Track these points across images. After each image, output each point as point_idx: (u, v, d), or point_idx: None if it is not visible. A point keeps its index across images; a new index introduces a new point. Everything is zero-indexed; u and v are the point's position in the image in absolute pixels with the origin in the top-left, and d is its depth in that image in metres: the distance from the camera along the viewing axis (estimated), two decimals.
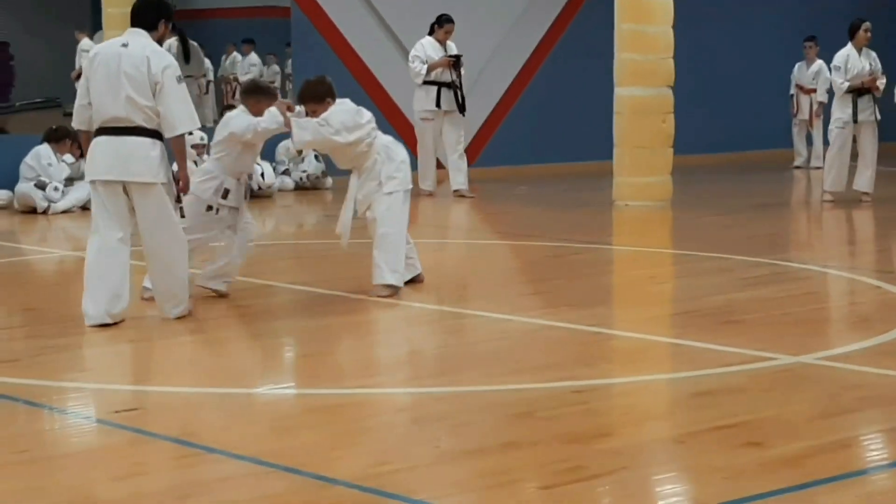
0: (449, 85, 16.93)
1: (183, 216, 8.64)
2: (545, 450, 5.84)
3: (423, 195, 16.73)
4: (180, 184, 8.68)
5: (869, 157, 15.59)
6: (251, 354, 8.10)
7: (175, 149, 8.48)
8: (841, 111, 15.63)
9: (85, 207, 15.44)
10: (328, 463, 5.62)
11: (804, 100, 20.60)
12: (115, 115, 8.34)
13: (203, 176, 9.29)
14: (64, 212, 15.37)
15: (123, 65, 8.32)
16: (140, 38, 8.45)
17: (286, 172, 17.66)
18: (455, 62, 16.90)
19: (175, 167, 8.61)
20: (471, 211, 16.67)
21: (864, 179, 15.58)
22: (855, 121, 15.45)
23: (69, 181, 15.72)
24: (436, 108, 16.94)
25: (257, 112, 9.26)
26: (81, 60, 18.50)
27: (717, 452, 5.67)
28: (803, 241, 13.73)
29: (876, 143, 15.61)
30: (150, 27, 8.54)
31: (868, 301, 9.49)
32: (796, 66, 20.69)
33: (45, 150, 15.66)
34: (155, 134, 8.37)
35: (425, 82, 16.90)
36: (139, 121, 8.31)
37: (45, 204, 15.34)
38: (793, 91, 20.74)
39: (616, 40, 15.31)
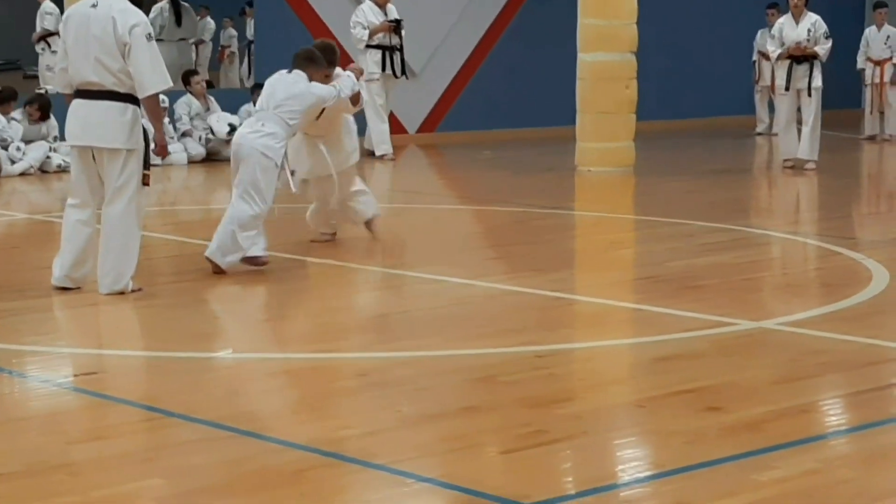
0: (392, 49, 17.02)
1: (147, 184, 8.31)
2: (506, 414, 5.85)
3: (385, 160, 16.71)
4: (156, 146, 8.53)
5: (809, 124, 15.47)
6: (210, 319, 8.07)
7: (148, 110, 8.25)
8: (779, 79, 15.67)
9: (42, 169, 15.35)
10: (289, 427, 5.61)
11: (766, 66, 20.56)
12: (87, 78, 8.18)
13: (276, 140, 9.15)
14: (21, 174, 15.24)
15: (92, 27, 8.13)
16: None
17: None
18: (396, 26, 17.00)
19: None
20: (434, 176, 16.65)
21: (804, 147, 15.49)
22: (786, 89, 15.42)
23: (27, 142, 15.58)
24: (381, 72, 17.01)
25: (316, 79, 9.26)
26: (43, 22, 18.32)
27: (677, 417, 5.69)
28: (764, 208, 13.76)
29: (814, 110, 15.39)
30: None
31: (829, 267, 9.52)
32: (759, 32, 20.67)
33: None
34: (127, 97, 8.15)
35: (369, 46, 17.03)
36: (109, 84, 8.13)
37: (7, 165, 15.21)
38: (755, 58, 20.73)
39: (580, 5, 15.25)
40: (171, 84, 8.40)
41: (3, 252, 10.65)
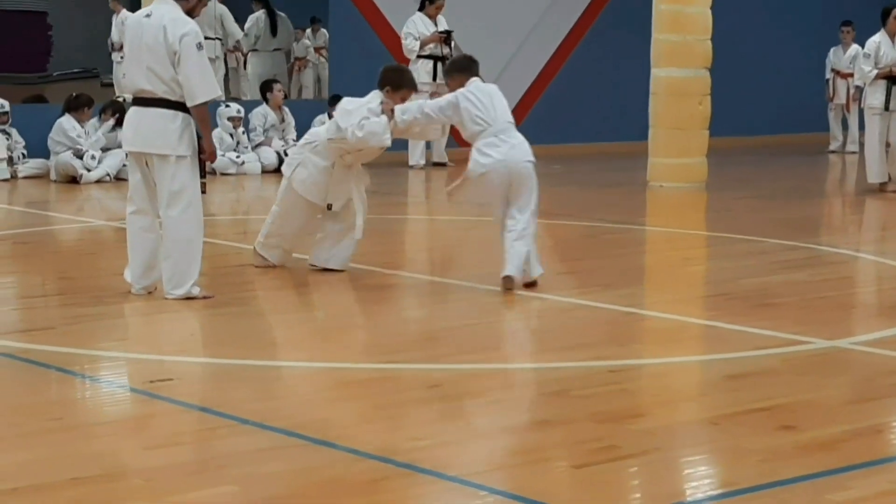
0: (443, 59, 17.14)
1: (204, 192, 8.43)
2: (578, 429, 5.84)
3: (415, 169, 16.89)
4: (205, 153, 8.52)
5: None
6: (283, 327, 8.11)
7: (197, 118, 8.30)
8: (873, 98, 15.48)
9: (118, 177, 15.49)
10: (361, 437, 5.62)
11: (840, 84, 20.47)
12: (140, 86, 8.31)
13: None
14: (97, 181, 15.39)
15: (144, 36, 8.25)
16: (163, 7, 8.32)
17: None
18: (446, 38, 17.23)
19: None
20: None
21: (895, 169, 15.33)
22: (887, 108, 15.27)
23: (104, 150, 15.73)
24: (432, 81, 17.14)
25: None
26: (113, 34, 18.54)
27: (750, 435, 5.65)
28: (838, 226, 13.65)
29: None
30: None
31: None
32: (832, 50, 20.56)
33: (66, 121, 15.65)
34: (178, 105, 8.23)
35: (420, 56, 17.22)
36: (160, 93, 8.23)
37: (82, 172, 15.37)
38: (829, 75, 20.62)
39: (654, 21, 15.23)
40: (220, 93, 8.51)
41: (79, 258, 10.77)
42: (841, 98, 20.47)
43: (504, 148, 8.87)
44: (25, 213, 13.22)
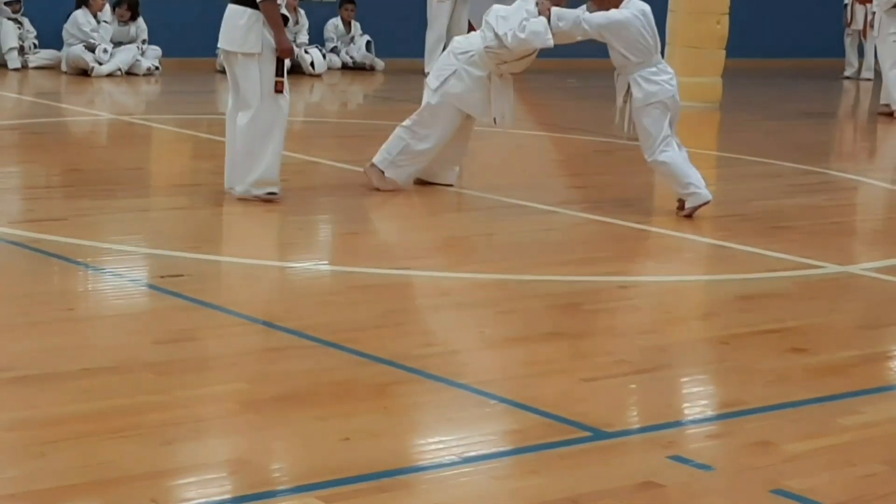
0: None
1: (279, 91, 8.21)
2: (589, 342, 5.84)
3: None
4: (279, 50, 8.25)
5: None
6: (295, 229, 8.08)
7: (266, 15, 8.15)
8: (893, 25, 15.35)
9: (129, 73, 15.41)
10: (372, 341, 5.61)
11: (859, 10, 20.28)
12: None
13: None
14: (108, 75, 15.31)
15: None
16: None
17: (334, 51, 17.55)
18: None
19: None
20: (517, 102, 16.53)
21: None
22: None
23: (116, 44, 15.64)
24: None
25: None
26: None
27: (761, 356, 5.64)
28: (852, 152, 13.59)
29: None
30: None
31: None
32: None
33: (81, 14, 15.54)
34: (246, 2, 8.15)
35: None
36: None
37: (94, 66, 15.29)
38: (847, 1, 20.44)
39: None
40: None
41: (89, 150, 10.74)
42: (858, 24, 20.29)
43: (666, 77, 8.61)
44: (36, 103, 13.17)
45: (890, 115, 14.91)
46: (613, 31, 8.55)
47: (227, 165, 8.48)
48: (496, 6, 9.04)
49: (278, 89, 8.21)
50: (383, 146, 8.97)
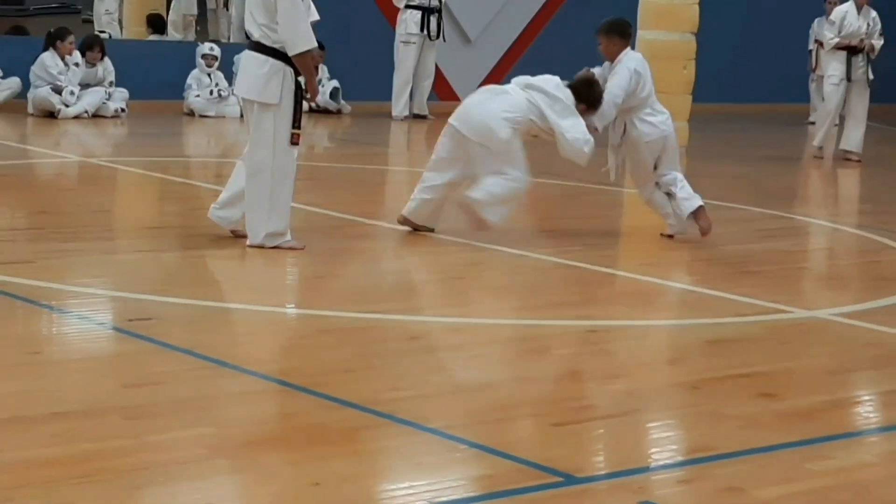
0: (432, 11, 17.12)
1: (295, 143, 8.20)
2: (558, 387, 5.84)
3: (397, 120, 16.86)
4: (308, 95, 8.33)
5: (859, 116, 15.44)
6: (263, 272, 8.05)
7: (300, 66, 8.12)
8: (834, 68, 15.59)
9: (96, 115, 15.37)
10: (341, 385, 5.59)
11: (823, 56, 20.43)
12: (246, 28, 8.38)
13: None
14: (75, 117, 15.27)
15: None
16: None
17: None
18: None
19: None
20: None
21: (854, 139, 15.43)
22: (848, 79, 15.37)
23: (84, 86, 15.61)
24: (419, 33, 17.06)
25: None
26: None
27: (730, 401, 5.65)
28: (819, 197, 13.66)
29: (867, 103, 15.48)
30: None
31: (884, 260, 9.44)
32: (815, 21, 20.49)
33: (49, 57, 15.50)
34: (270, 51, 8.13)
35: (408, 6, 17.10)
36: (257, 36, 8.20)
37: (61, 108, 15.25)
38: (812, 46, 20.56)
39: None
40: (315, 44, 8.25)
41: (56, 193, 10.70)
42: (823, 69, 20.43)
43: (663, 117, 9.35)
44: (1, 145, 13.10)
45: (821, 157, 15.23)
46: (634, 83, 9.19)
47: (227, 205, 8.41)
48: (547, 78, 9.21)
49: (294, 142, 8.20)
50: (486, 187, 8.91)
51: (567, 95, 8.98)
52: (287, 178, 8.24)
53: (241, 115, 8.82)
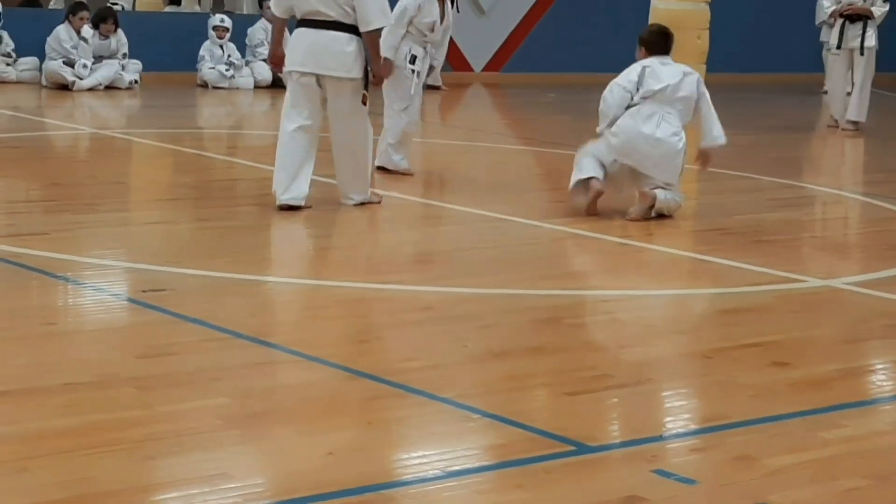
0: None
1: (364, 104, 8.70)
2: (572, 356, 5.84)
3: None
4: (373, 75, 8.85)
5: (858, 85, 15.26)
6: (277, 244, 8.07)
7: (369, 43, 8.64)
8: (827, 36, 15.53)
9: (110, 87, 15.39)
10: (354, 356, 5.62)
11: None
12: (314, 7, 8.56)
13: None
14: (89, 89, 15.29)
15: None
16: None
17: None
18: None
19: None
20: (498, 115, 16.61)
21: (853, 108, 15.27)
22: (839, 47, 15.26)
23: (97, 59, 15.62)
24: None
25: None
26: None
27: (743, 370, 5.65)
28: (832, 167, 13.62)
29: (865, 71, 15.16)
30: None
31: None
32: None
33: (63, 30, 15.51)
34: (351, 29, 8.55)
35: None
36: (335, 15, 8.52)
37: (74, 80, 15.26)
38: (819, 20, 20.46)
39: None
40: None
41: (71, 165, 10.72)
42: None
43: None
44: (15, 117, 13.12)
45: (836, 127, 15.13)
46: None
47: (287, 179, 8.62)
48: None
49: (363, 102, 8.70)
50: None
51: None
52: (370, 142, 8.92)
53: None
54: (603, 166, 9.03)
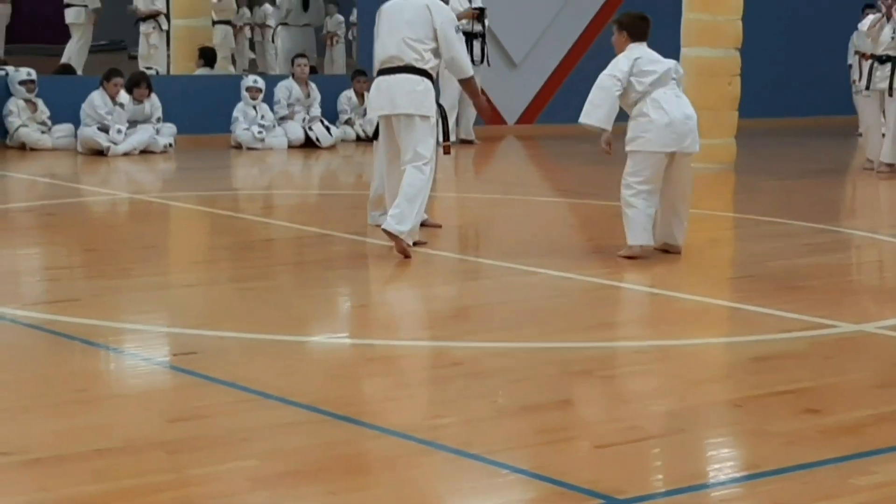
0: (475, 36, 17.16)
1: (447, 153, 9.35)
2: (602, 409, 5.83)
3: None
4: (479, 110, 9.87)
5: (889, 126, 15.18)
6: (308, 303, 8.09)
7: (467, 88, 9.70)
8: (858, 77, 15.54)
9: (145, 151, 15.50)
10: (383, 413, 5.63)
11: (865, 67, 20.27)
12: (391, 54, 9.18)
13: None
14: (124, 154, 15.40)
15: (405, 13, 9.20)
16: None
17: (349, 122, 17.63)
18: (479, 14, 17.22)
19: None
20: (532, 167, 16.63)
21: (886, 149, 15.19)
22: (867, 88, 15.24)
23: (132, 123, 15.75)
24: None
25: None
26: (153, 4, 18.59)
27: (775, 418, 5.62)
28: (866, 210, 13.57)
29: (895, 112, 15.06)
30: None
31: None
32: (854, 33, 20.34)
33: (98, 96, 15.65)
34: (423, 72, 9.14)
35: None
36: (409, 60, 9.12)
37: (109, 145, 15.38)
38: (850, 61, 20.41)
39: (684, 0, 15.15)
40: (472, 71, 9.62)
41: (106, 230, 10.79)
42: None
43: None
44: (52, 184, 13.23)
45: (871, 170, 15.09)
46: None
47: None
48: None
49: (446, 151, 9.40)
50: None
51: None
52: (430, 183, 9.22)
53: (374, 136, 9.64)
54: (653, 225, 9.13)
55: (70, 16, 18.29)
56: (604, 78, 9.20)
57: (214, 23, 19.65)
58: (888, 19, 15.17)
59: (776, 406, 5.79)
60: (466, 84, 9.54)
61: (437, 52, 9.22)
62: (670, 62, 9.32)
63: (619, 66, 9.20)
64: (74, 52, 18.15)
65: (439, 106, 9.30)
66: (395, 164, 9.22)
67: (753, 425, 5.56)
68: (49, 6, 18.50)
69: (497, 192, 13.47)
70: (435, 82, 9.25)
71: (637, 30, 9.37)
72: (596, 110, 9.18)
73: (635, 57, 9.20)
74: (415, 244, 9.08)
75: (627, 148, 9.25)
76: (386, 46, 9.22)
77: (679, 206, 9.23)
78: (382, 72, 9.24)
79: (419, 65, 9.13)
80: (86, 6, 18.28)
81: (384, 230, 8.93)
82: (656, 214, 9.18)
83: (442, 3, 9.38)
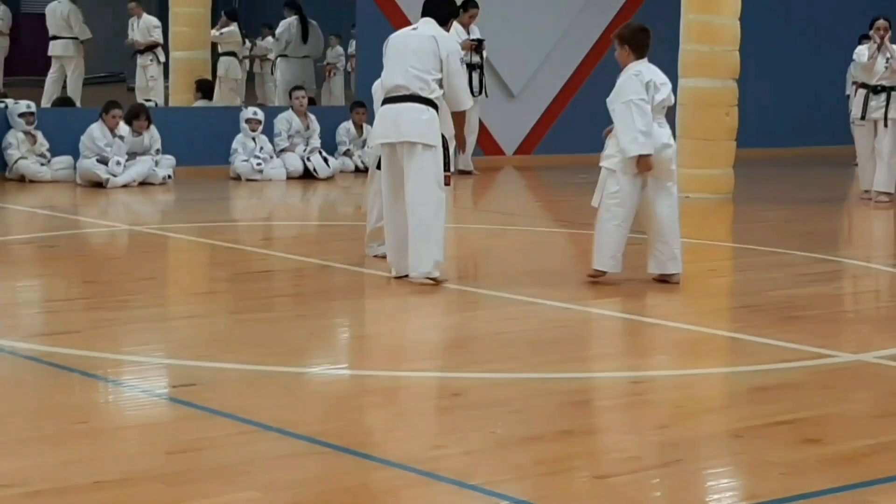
0: (474, 67, 17.22)
1: (447, 184, 9.16)
2: (601, 439, 5.83)
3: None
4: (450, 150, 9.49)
5: (883, 156, 15.19)
6: (308, 334, 8.10)
7: (457, 120, 9.51)
8: (853, 107, 15.59)
9: (144, 182, 15.51)
10: (383, 444, 5.63)
11: (860, 96, 20.31)
12: (397, 83, 9.20)
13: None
14: (123, 186, 15.41)
15: (411, 43, 9.25)
16: (429, 24, 9.35)
17: (347, 154, 17.65)
18: (477, 46, 17.27)
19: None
20: (530, 197, 16.64)
21: (880, 179, 15.18)
22: (862, 118, 15.28)
23: (131, 155, 15.77)
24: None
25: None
26: (150, 35, 18.64)
27: (774, 448, 5.63)
28: (864, 239, 13.59)
29: (892, 142, 15.05)
30: (440, 21, 9.40)
31: None
32: (852, 63, 20.40)
33: (97, 129, 15.66)
34: (427, 101, 9.15)
35: None
36: (414, 89, 9.15)
37: (108, 177, 15.39)
38: (848, 91, 20.47)
39: (682, 31, 15.18)
40: (472, 104, 9.70)
41: (105, 262, 10.79)
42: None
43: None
44: (50, 216, 13.24)
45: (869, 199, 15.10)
46: None
47: (393, 253, 9.24)
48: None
49: (447, 183, 9.21)
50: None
51: None
52: (442, 214, 9.20)
53: (377, 167, 9.61)
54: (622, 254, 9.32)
55: (58, 48, 18.25)
56: (639, 103, 9.29)
57: (220, 55, 19.69)
58: (879, 49, 15.20)
59: (775, 436, 5.80)
60: (458, 116, 9.52)
61: (442, 83, 9.25)
62: (669, 86, 9.37)
63: (639, 92, 9.33)
64: (70, 84, 18.16)
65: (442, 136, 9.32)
66: (398, 194, 9.20)
67: (753, 455, 5.56)
68: (47, 39, 18.50)
69: (496, 222, 13.48)
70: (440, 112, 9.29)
71: (639, 42, 9.41)
72: (649, 139, 9.19)
73: (646, 80, 9.30)
74: (434, 279, 9.07)
75: (601, 163, 9.36)
76: (392, 76, 9.26)
77: (667, 234, 9.26)
78: (388, 100, 9.27)
79: (425, 94, 9.15)
80: (75, 38, 18.28)
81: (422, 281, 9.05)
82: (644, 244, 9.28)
83: (447, 34, 9.41)
